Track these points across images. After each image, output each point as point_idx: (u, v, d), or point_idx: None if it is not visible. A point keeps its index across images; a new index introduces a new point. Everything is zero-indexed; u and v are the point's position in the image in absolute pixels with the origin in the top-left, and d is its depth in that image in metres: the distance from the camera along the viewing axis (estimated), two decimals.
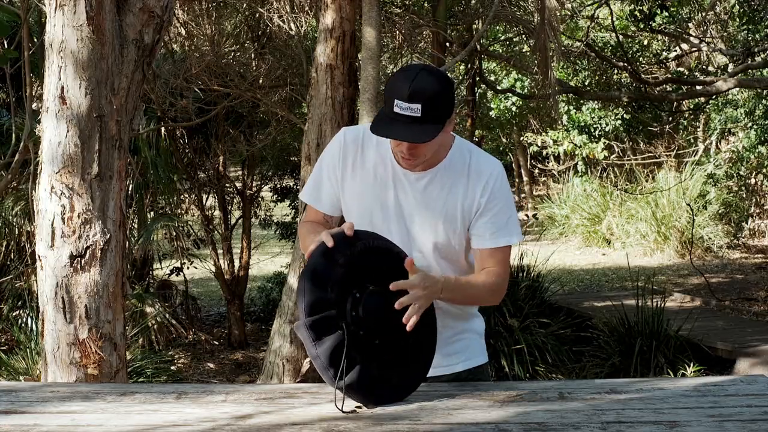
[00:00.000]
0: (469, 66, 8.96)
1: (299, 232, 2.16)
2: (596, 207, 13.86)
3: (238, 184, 9.35)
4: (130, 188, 7.69)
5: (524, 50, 10.65)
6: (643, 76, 10.40)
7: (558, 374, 6.52)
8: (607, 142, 13.65)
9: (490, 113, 13.23)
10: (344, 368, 1.69)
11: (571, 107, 13.09)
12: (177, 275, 8.79)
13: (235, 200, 9.36)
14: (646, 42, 12.22)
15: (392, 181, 2.02)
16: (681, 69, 12.61)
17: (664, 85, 10.27)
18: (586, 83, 11.04)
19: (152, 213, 8.83)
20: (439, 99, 1.87)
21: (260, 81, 7.57)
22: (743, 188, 13.07)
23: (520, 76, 12.47)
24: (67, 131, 2.81)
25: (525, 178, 19.85)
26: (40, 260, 2.87)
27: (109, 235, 2.87)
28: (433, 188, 2.00)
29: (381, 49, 5.60)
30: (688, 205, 11.36)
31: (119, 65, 2.89)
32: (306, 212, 2.17)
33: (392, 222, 2.01)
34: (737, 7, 9.61)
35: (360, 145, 2.05)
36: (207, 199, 9.00)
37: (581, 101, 12.36)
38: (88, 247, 2.83)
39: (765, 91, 11.04)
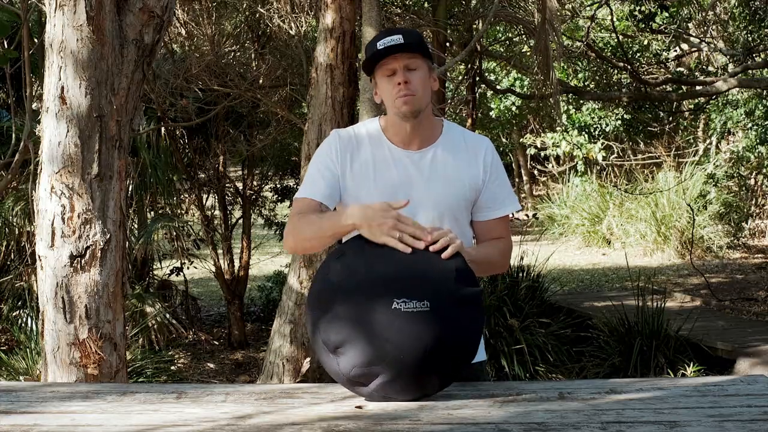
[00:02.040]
0: (469, 66, 8.96)
1: (294, 223, 2.01)
2: (596, 207, 13.86)
3: (238, 184, 9.35)
4: (130, 188, 7.69)
5: (524, 50, 10.65)
6: (643, 76, 10.40)
7: (558, 374, 6.52)
8: (606, 142, 13.64)
9: (490, 113, 13.23)
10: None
11: (571, 107, 13.09)
12: (177, 275, 8.79)
13: (235, 200, 9.36)
14: (646, 42, 12.22)
15: (394, 165, 2.04)
16: (681, 69, 12.61)
17: (664, 86, 10.27)
18: (586, 83, 11.05)
19: (152, 213, 8.83)
20: (417, 36, 2.01)
21: (260, 81, 7.58)
22: (743, 188, 13.07)
23: (520, 75, 12.47)
24: (67, 131, 2.81)
25: (525, 178, 19.85)
26: (40, 260, 2.87)
27: (109, 235, 2.88)
28: (438, 160, 2.05)
29: None
30: (689, 205, 11.36)
31: (119, 65, 2.89)
32: (297, 207, 2.06)
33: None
34: (738, 8, 9.61)
35: (354, 139, 2.08)
36: (207, 199, 9.00)
37: (581, 101, 12.36)
38: (88, 247, 2.83)
39: (765, 92, 11.05)
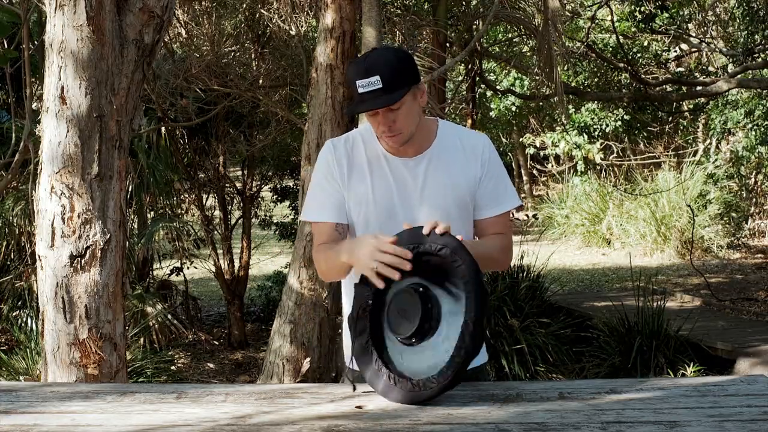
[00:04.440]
0: (469, 66, 8.97)
1: (316, 256, 2.08)
2: (596, 207, 13.87)
3: (238, 184, 9.35)
4: (130, 189, 7.69)
5: (524, 51, 10.66)
6: (643, 76, 10.41)
7: (558, 374, 6.53)
8: (605, 142, 13.64)
9: (490, 113, 13.23)
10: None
11: (571, 108, 13.09)
12: (177, 275, 8.79)
13: (235, 200, 9.36)
14: (646, 43, 12.23)
15: (391, 173, 2.03)
16: (681, 69, 12.62)
17: (664, 86, 10.27)
18: (586, 84, 11.05)
19: (152, 213, 8.83)
20: (396, 67, 1.93)
21: (260, 81, 7.58)
22: (743, 188, 13.07)
23: (520, 75, 12.47)
24: (67, 131, 2.81)
25: (525, 178, 19.86)
26: (40, 260, 2.87)
27: (109, 235, 2.87)
28: (434, 169, 2.03)
29: None
30: (689, 205, 11.36)
31: (119, 65, 2.89)
32: (316, 234, 2.09)
33: (399, 214, 2.00)
34: (738, 8, 9.61)
35: (350, 148, 2.06)
36: (207, 199, 9.00)
37: (581, 102, 12.37)
38: (88, 247, 2.83)
39: (765, 92, 11.05)
